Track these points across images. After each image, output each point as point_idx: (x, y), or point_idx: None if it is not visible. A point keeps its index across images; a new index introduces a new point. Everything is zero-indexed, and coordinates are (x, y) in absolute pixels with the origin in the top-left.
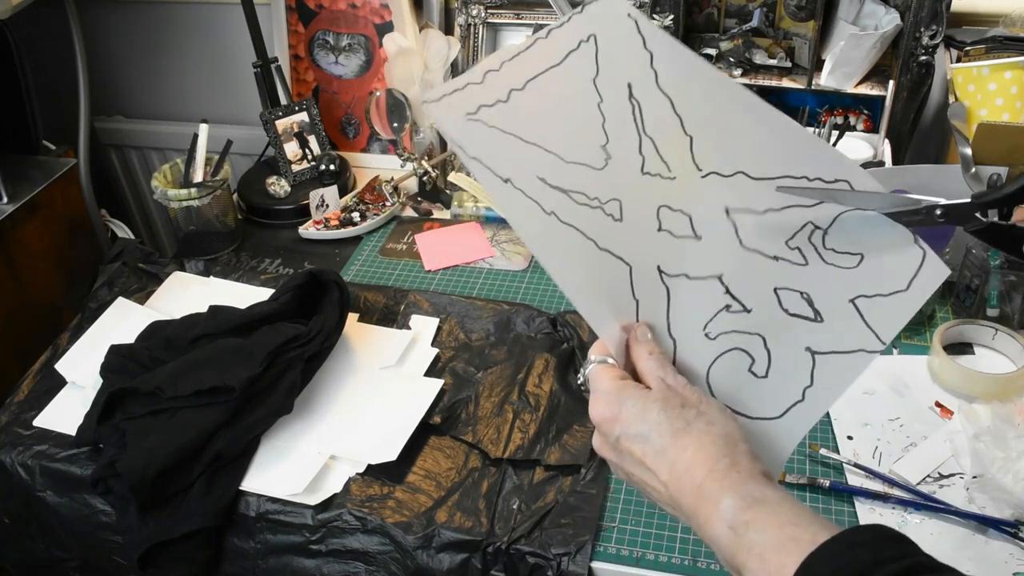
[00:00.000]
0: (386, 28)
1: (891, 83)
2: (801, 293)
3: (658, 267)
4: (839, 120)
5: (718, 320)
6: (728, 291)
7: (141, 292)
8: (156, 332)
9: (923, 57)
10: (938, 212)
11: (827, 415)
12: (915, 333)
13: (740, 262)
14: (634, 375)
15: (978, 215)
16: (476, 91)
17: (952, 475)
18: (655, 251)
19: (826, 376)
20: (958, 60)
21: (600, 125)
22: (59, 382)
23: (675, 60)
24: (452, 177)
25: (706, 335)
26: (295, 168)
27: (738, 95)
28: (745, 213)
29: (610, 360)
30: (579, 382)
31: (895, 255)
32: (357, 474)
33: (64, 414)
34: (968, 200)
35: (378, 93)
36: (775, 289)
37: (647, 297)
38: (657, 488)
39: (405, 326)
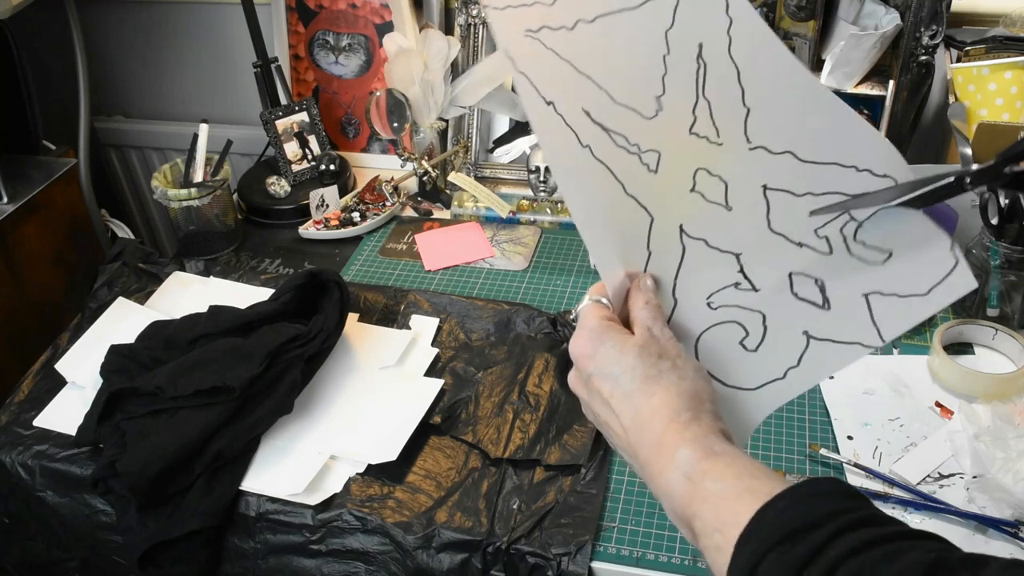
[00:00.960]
0: (386, 28)
1: (891, 83)
2: (816, 280)
3: (680, 226)
4: None
5: (723, 294)
6: (742, 270)
7: (141, 292)
8: (156, 332)
9: (923, 57)
10: (967, 180)
11: (827, 415)
12: (915, 333)
13: (762, 243)
14: (626, 322)
15: (1005, 171)
16: (543, 11)
17: (952, 475)
18: (681, 209)
19: (814, 361)
20: (958, 60)
21: (660, 76)
22: (59, 382)
23: (753, 32)
24: (452, 177)
25: (708, 304)
26: (295, 168)
27: (806, 81)
28: (782, 193)
29: (604, 301)
30: (570, 317)
31: (925, 259)
32: (357, 474)
33: (64, 414)
34: (993, 161)
35: (378, 93)
36: (790, 273)
37: (660, 252)
38: (617, 432)
39: (405, 326)
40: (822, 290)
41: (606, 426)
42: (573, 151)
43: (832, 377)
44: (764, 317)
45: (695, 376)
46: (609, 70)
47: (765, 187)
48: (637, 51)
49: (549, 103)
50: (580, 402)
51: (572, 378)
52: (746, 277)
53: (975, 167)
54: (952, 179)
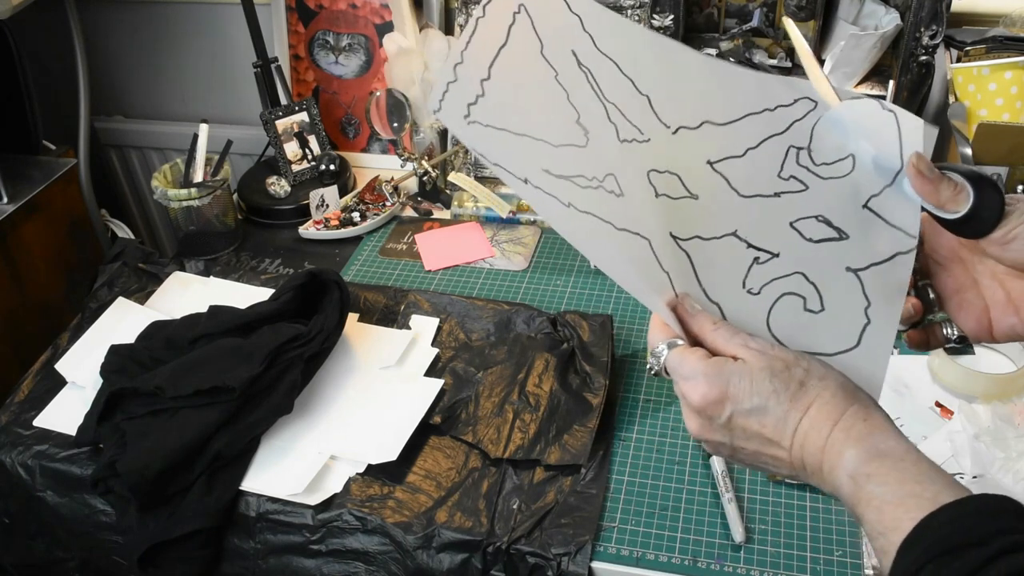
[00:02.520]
0: (386, 28)
1: (891, 83)
2: (816, 217)
3: (671, 233)
4: None
5: (753, 274)
6: (749, 245)
7: (141, 292)
8: (156, 332)
9: (923, 57)
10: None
11: None
12: None
13: (747, 211)
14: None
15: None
16: (457, 90)
17: (952, 475)
18: (662, 218)
19: (878, 290)
20: (958, 60)
21: (566, 99)
22: (59, 382)
23: (602, 21)
24: (452, 177)
25: (748, 291)
26: (295, 168)
27: (671, 49)
28: (728, 160)
29: (680, 342)
30: (651, 371)
31: (876, 135)
32: (357, 474)
33: (64, 414)
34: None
35: (378, 93)
36: (791, 224)
37: (674, 267)
38: (779, 456)
39: (405, 326)
40: (828, 223)
41: (757, 456)
42: (565, 215)
43: None
44: (805, 275)
45: (827, 368)
46: (531, 117)
47: (710, 163)
48: (534, 84)
49: (525, 181)
50: (709, 446)
51: (697, 426)
52: (758, 248)
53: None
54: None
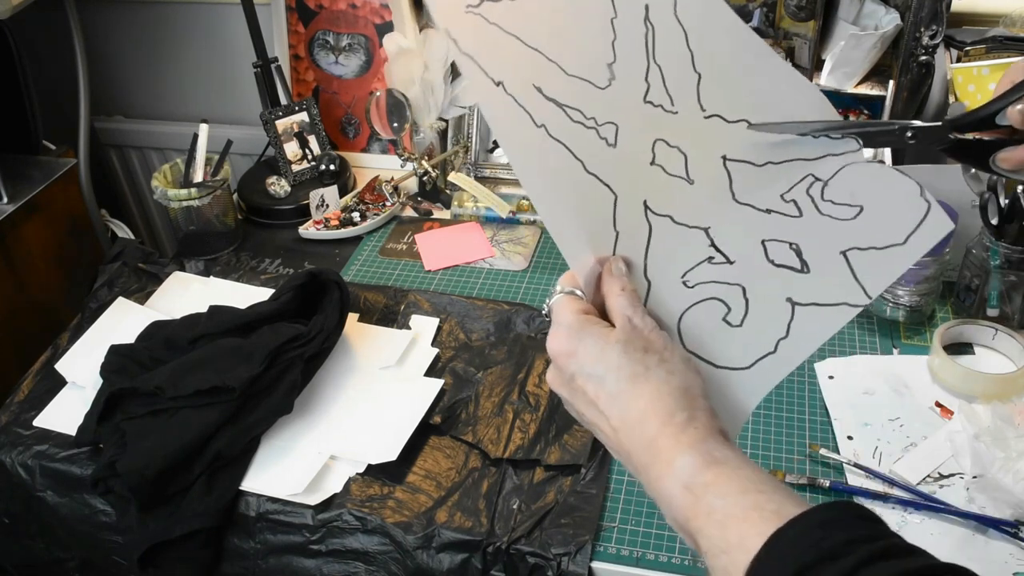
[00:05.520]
0: (386, 28)
1: (891, 83)
2: (790, 244)
3: (644, 202)
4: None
5: (698, 270)
6: (713, 244)
7: (141, 292)
8: (156, 332)
9: (923, 57)
10: (909, 134)
11: (827, 415)
12: (915, 333)
13: (729, 215)
14: (601, 311)
15: (949, 136)
16: None
17: (952, 475)
18: (644, 184)
19: (803, 329)
20: (958, 60)
21: (610, 42)
22: (59, 382)
23: None
24: (452, 177)
25: (684, 283)
26: (295, 168)
27: (753, 43)
28: (742, 164)
29: (578, 292)
30: (543, 312)
31: (897, 208)
32: (357, 474)
33: (64, 414)
34: (940, 123)
35: (378, 93)
36: (763, 241)
37: (628, 231)
38: (607, 432)
39: (405, 326)
40: (798, 254)
41: (593, 426)
42: (527, 132)
43: (832, 377)
44: (744, 289)
45: (684, 369)
46: (558, 40)
47: (724, 158)
48: (584, 16)
49: (498, 83)
50: (563, 400)
51: (551, 377)
52: (719, 250)
53: (919, 123)
54: (895, 127)
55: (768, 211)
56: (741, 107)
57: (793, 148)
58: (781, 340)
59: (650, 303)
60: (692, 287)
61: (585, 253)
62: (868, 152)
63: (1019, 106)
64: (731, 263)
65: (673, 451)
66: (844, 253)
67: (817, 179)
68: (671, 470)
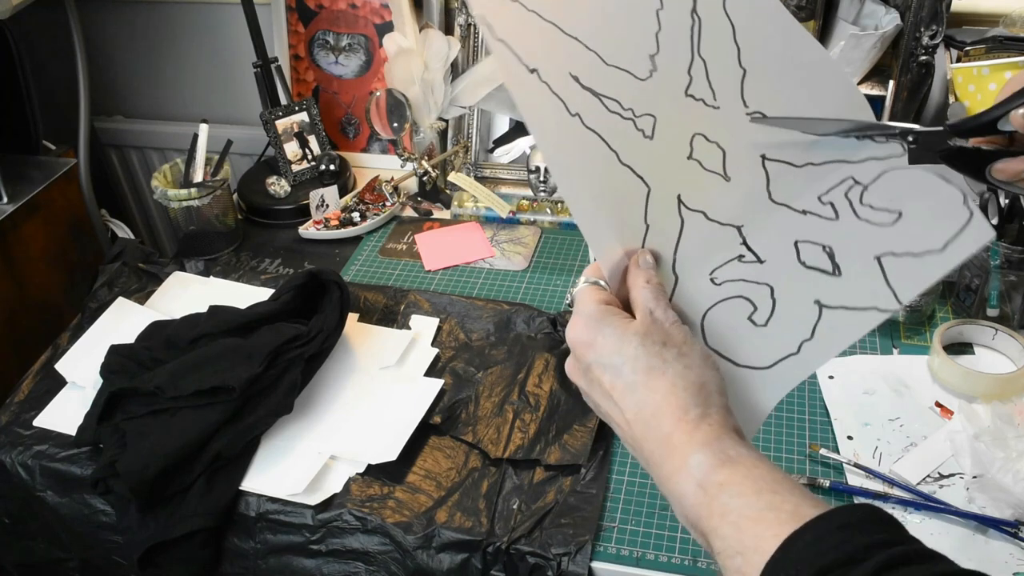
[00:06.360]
0: (386, 28)
1: (891, 83)
2: (824, 247)
3: (678, 196)
4: None
5: (727, 268)
6: (744, 242)
7: (141, 292)
8: (156, 332)
9: (923, 57)
10: (910, 138)
11: (827, 415)
12: (915, 333)
13: (763, 214)
14: (625, 303)
15: (949, 143)
16: None
17: (952, 475)
18: (679, 178)
19: (828, 331)
20: (958, 60)
21: (654, 33)
22: (59, 382)
23: None
24: (452, 177)
25: (711, 279)
26: (295, 168)
27: (804, 42)
28: (781, 164)
29: (602, 283)
30: (567, 302)
31: (938, 215)
32: (357, 474)
33: (64, 414)
34: (941, 128)
35: (378, 93)
36: (796, 242)
37: (658, 225)
38: (621, 424)
39: (405, 326)
40: (831, 256)
41: (608, 417)
42: (561, 121)
43: (832, 377)
44: (772, 289)
45: (702, 365)
46: (598, 29)
47: (764, 157)
48: (629, 7)
49: (533, 71)
50: (580, 390)
51: (570, 366)
52: (749, 249)
53: (919, 127)
54: (897, 130)
55: (804, 212)
56: (785, 107)
57: (835, 150)
58: (805, 342)
59: (676, 298)
60: (719, 284)
61: (613, 244)
62: None
63: (1022, 110)
64: (761, 262)
65: (686, 448)
66: (878, 258)
67: (857, 183)
68: (684, 467)
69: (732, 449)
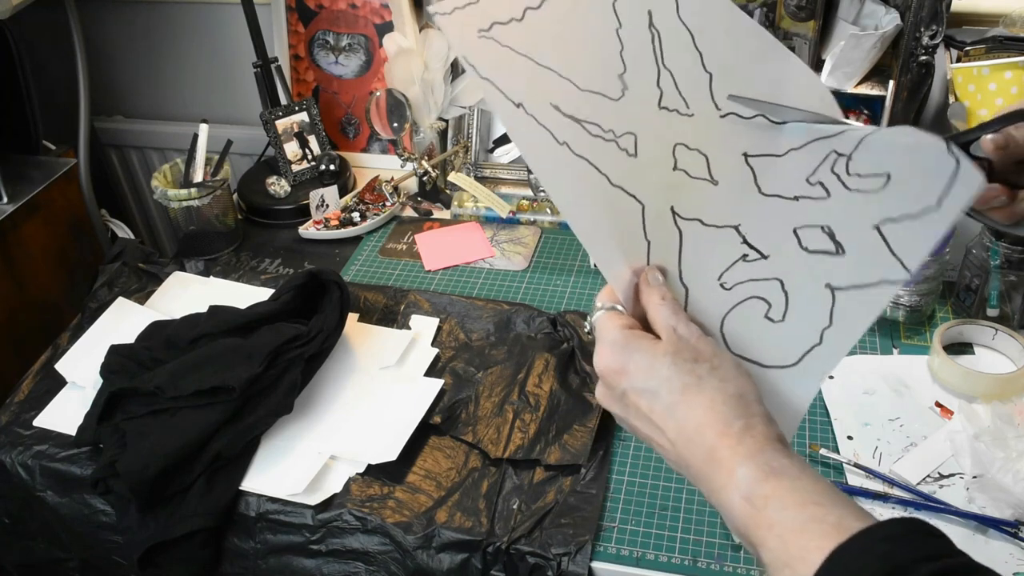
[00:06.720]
0: (386, 28)
1: (891, 83)
2: (822, 227)
3: (672, 208)
4: None
5: (734, 270)
6: (745, 240)
7: (141, 292)
8: (156, 332)
9: (923, 57)
10: None
11: (827, 415)
12: (915, 333)
13: (758, 209)
14: (643, 323)
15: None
16: (491, 6)
17: (952, 475)
18: (669, 190)
19: (846, 314)
20: (958, 60)
21: (618, 52)
22: (59, 382)
23: None
24: (452, 177)
25: (721, 285)
26: (295, 168)
27: (758, 35)
28: (765, 158)
29: (619, 307)
30: (586, 331)
31: (925, 169)
32: (357, 474)
33: (64, 414)
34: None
35: (378, 93)
36: (794, 229)
37: (659, 239)
38: (664, 446)
39: (405, 326)
40: (831, 236)
41: (649, 440)
42: (552, 151)
43: (832, 377)
44: (782, 282)
45: (737, 375)
46: (567, 56)
47: (746, 155)
48: (589, 29)
49: (518, 105)
50: (615, 416)
51: (601, 394)
52: (751, 247)
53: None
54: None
55: (796, 198)
56: (757, 104)
57: (813, 128)
58: (826, 329)
59: (690, 309)
60: (730, 289)
61: (620, 266)
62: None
63: (990, 135)
64: (765, 258)
65: (732, 462)
66: (877, 227)
67: (840, 154)
68: (731, 481)
69: (776, 460)
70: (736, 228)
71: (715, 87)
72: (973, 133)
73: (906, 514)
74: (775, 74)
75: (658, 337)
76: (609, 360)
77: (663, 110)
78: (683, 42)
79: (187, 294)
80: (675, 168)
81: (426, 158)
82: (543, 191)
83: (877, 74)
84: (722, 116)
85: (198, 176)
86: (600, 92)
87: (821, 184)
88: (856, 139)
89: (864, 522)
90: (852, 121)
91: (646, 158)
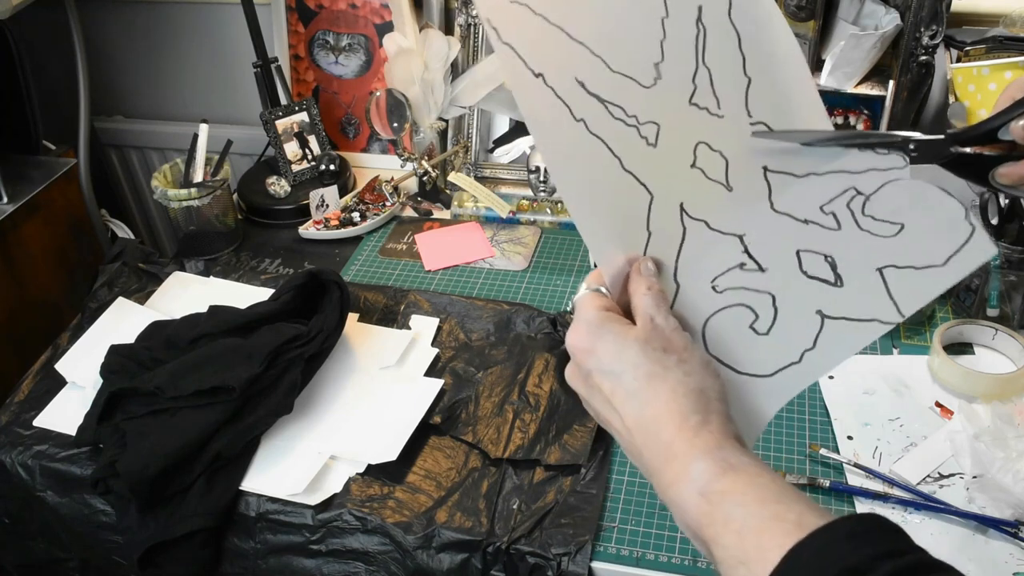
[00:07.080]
0: (386, 28)
1: (891, 83)
2: (826, 257)
3: (681, 204)
4: (839, 120)
5: (729, 276)
6: (746, 251)
7: (141, 292)
8: (156, 332)
9: (923, 57)
10: (911, 147)
11: (827, 415)
12: (915, 333)
13: (766, 223)
14: (627, 310)
15: (950, 150)
16: None
17: (952, 475)
18: (682, 187)
19: (830, 342)
20: (958, 60)
21: (659, 41)
22: (59, 382)
23: None
24: (452, 177)
25: (713, 287)
26: (295, 168)
27: (798, 52)
28: (783, 175)
29: (603, 290)
30: (568, 310)
31: (940, 228)
32: (357, 474)
33: (64, 414)
34: (942, 136)
35: (378, 93)
36: (798, 251)
37: (661, 233)
38: (620, 432)
39: (405, 326)
40: (833, 267)
41: (608, 424)
42: (565, 126)
43: (832, 377)
44: (774, 298)
45: (703, 372)
46: (604, 35)
47: (766, 168)
48: (634, 13)
49: (538, 75)
50: (580, 396)
51: (570, 372)
52: (751, 258)
53: (920, 135)
54: (899, 139)
55: (806, 221)
56: (789, 118)
57: (837, 160)
58: (807, 351)
59: (677, 306)
60: (721, 292)
61: (614, 251)
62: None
63: (1021, 122)
64: (763, 271)
65: (688, 455)
66: (880, 270)
67: (859, 193)
68: (686, 475)
69: (734, 457)
70: (740, 237)
71: (751, 93)
72: (1001, 118)
73: (906, 514)
74: (800, 94)
75: (635, 324)
76: (581, 338)
77: (693, 106)
78: (729, 43)
79: (187, 294)
80: (693, 166)
81: (426, 158)
82: (544, 189)
83: (877, 74)
84: (751, 123)
85: (198, 176)
86: (632, 77)
87: (834, 215)
88: (879, 182)
89: (824, 520)
90: (896, 132)
91: (665, 150)
